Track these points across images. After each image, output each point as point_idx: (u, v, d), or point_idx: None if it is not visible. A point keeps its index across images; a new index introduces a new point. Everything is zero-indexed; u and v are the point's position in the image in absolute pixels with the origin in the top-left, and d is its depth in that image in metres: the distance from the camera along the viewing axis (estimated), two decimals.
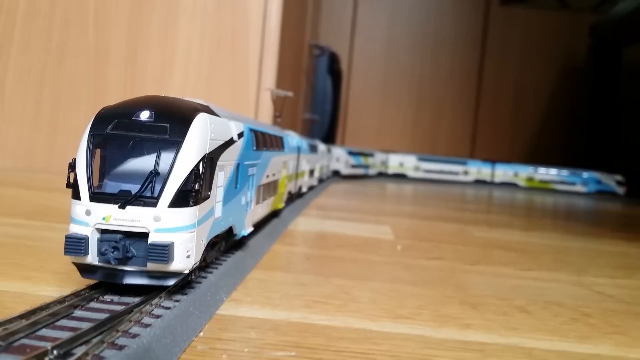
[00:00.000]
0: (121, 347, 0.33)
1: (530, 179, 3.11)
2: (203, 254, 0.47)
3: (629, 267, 0.89)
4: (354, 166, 2.66)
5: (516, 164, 3.18)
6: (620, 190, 3.04)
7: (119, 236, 0.41)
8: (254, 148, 0.65)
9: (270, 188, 0.81)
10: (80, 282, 0.44)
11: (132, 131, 0.42)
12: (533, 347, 0.45)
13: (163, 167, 0.42)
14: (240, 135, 0.56)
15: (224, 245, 0.57)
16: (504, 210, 1.89)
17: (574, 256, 0.95)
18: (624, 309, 0.60)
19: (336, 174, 2.48)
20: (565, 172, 3.11)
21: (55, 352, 0.31)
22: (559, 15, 3.47)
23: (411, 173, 3.04)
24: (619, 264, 0.91)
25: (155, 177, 0.42)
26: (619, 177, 3.06)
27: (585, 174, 3.08)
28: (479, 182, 3.10)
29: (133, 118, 0.43)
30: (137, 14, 1.53)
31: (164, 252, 0.41)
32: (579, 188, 3.06)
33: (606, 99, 3.33)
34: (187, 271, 0.43)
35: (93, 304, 0.41)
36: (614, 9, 3.01)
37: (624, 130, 3.30)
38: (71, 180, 0.43)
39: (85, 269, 0.43)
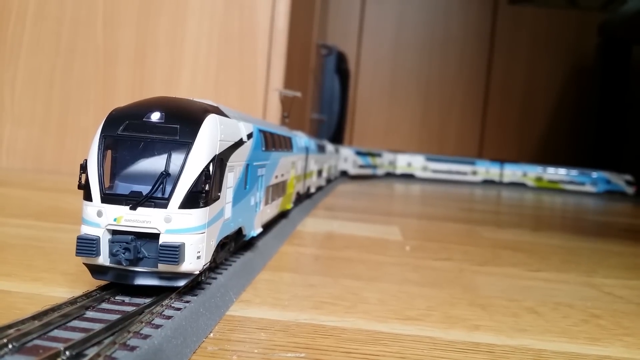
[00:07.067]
0: (133, 348, 0.34)
1: (539, 179, 3.10)
2: (213, 254, 0.47)
3: (639, 268, 0.88)
4: (361, 166, 2.65)
5: (525, 164, 3.17)
6: (630, 189, 3.02)
7: (130, 237, 0.41)
8: (263, 149, 0.65)
9: (279, 189, 0.81)
10: (91, 283, 0.45)
11: (143, 132, 0.43)
12: (542, 348, 0.45)
13: (174, 168, 0.42)
14: (249, 136, 0.56)
15: (233, 246, 0.58)
16: (513, 210, 1.88)
17: (584, 257, 0.95)
18: (634, 310, 0.60)
19: (344, 174, 2.48)
20: (574, 172, 3.10)
21: (67, 353, 0.31)
22: (568, 13, 3.45)
23: (419, 173, 3.04)
24: (628, 264, 0.91)
25: (166, 178, 0.42)
26: (628, 177, 3.04)
27: (595, 174, 3.07)
28: (487, 182, 3.09)
29: (144, 119, 0.43)
30: (146, 15, 1.54)
31: (175, 253, 0.41)
32: (588, 188, 3.05)
33: (615, 97, 3.31)
34: (197, 272, 0.44)
35: (104, 305, 0.42)
36: (622, 7, 2.99)
37: (633, 129, 3.28)
38: (82, 182, 0.43)
39: (96, 270, 0.43)
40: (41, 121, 1.54)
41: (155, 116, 0.43)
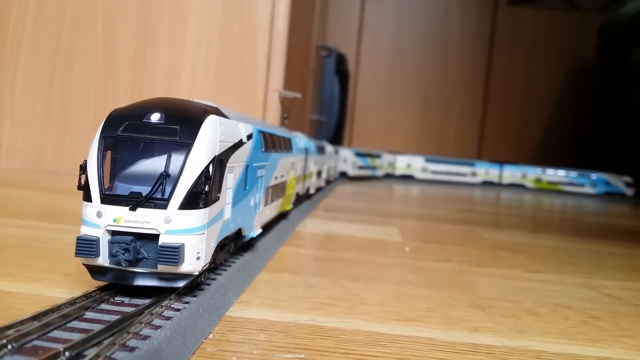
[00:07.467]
0: (132, 349, 0.34)
1: (538, 181, 3.10)
2: (212, 255, 0.47)
3: (637, 270, 0.88)
4: (361, 167, 2.65)
5: (524, 165, 3.17)
6: (629, 191, 3.02)
7: (129, 238, 0.41)
8: (263, 150, 0.65)
9: (279, 189, 0.81)
10: (91, 284, 0.45)
11: (143, 133, 0.43)
12: (542, 350, 0.45)
13: (173, 169, 0.42)
14: (249, 137, 0.56)
15: (232, 246, 0.58)
16: (512, 212, 1.88)
17: (582, 258, 0.95)
18: (633, 312, 0.60)
19: (343, 175, 2.48)
20: (573, 174, 3.10)
21: (67, 353, 0.31)
22: (567, 15, 3.46)
23: (419, 174, 3.04)
24: (627, 266, 0.91)
25: (165, 179, 0.42)
26: (627, 179, 3.04)
27: (594, 175, 3.07)
28: (486, 184, 3.09)
29: (144, 120, 0.43)
30: (146, 15, 1.54)
31: (175, 253, 0.41)
32: (588, 189, 3.05)
33: (615, 99, 3.32)
34: (196, 273, 0.44)
35: (104, 306, 0.42)
36: (622, 9, 2.99)
37: (633, 130, 3.28)
38: (82, 182, 0.43)
39: (95, 271, 0.43)
40: (41, 122, 1.54)
41: (155, 117, 0.43)
